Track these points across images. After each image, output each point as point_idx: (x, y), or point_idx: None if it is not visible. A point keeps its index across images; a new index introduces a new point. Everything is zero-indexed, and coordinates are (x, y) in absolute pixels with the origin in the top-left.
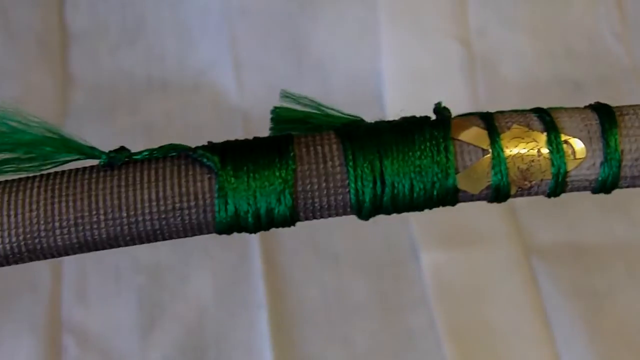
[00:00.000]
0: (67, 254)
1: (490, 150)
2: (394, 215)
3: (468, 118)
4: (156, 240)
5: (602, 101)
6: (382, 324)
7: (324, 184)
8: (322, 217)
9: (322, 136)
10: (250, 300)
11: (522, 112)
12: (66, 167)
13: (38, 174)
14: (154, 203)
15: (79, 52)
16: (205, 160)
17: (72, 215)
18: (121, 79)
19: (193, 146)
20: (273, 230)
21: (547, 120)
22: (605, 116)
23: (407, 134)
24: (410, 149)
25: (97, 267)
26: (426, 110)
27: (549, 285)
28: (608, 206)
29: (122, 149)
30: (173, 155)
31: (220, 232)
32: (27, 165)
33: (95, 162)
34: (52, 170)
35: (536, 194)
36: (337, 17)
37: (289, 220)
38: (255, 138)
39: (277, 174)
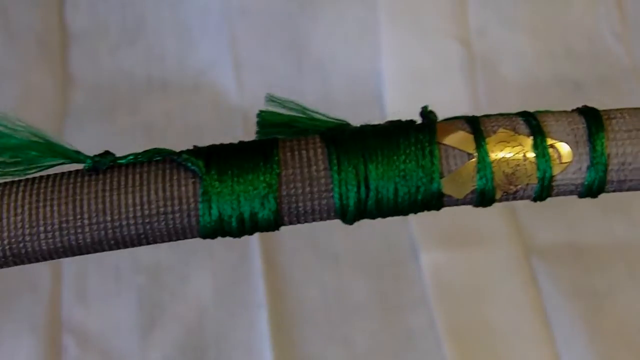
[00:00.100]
0: (52, 258)
1: (475, 154)
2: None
3: (454, 122)
4: (140, 244)
5: (602, 101)
6: (382, 324)
7: (308, 189)
8: (306, 221)
9: (307, 140)
10: (250, 300)
11: (509, 115)
12: (51, 171)
13: (23, 178)
14: (138, 207)
15: (79, 52)
16: (189, 164)
17: (57, 219)
18: (121, 79)
19: (191, 147)
20: (285, 226)
21: (533, 124)
22: (592, 120)
23: (392, 138)
24: (395, 153)
25: (97, 267)
26: None
27: (549, 285)
28: (608, 206)
29: (107, 153)
30: (158, 159)
31: (204, 237)
32: (12, 169)
33: (80, 166)
34: (37, 175)
35: (522, 198)
36: (337, 17)
37: (273, 224)
38: (240, 142)
39: (262, 178)
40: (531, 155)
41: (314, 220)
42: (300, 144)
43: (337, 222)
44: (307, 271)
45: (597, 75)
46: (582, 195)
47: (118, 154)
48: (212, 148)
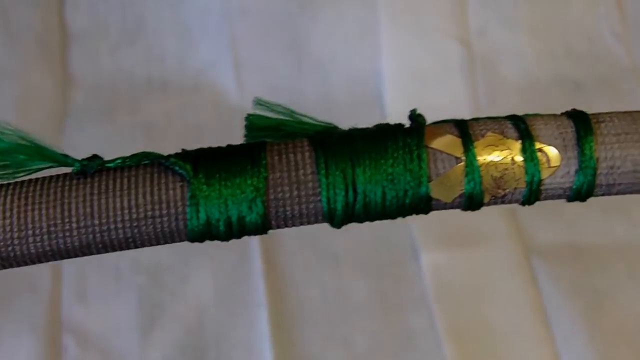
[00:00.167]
0: (40, 262)
1: (463, 158)
2: None
3: (442, 126)
4: (128, 248)
5: (602, 101)
6: (382, 324)
7: (295, 192)
8: (294, 225)
9: (295, 144)
10: (250, 300)
11: (497, 119)
12: (39, 174)
13: (12, 181)
14: (126, 211)
15: (79, 52)
16: (177, 168)
17: (45, 223)
18: (121, 79)
19: (192, 147)
20: (273, 230)
21: (521, 127)
22: (581, 123)
23: (380, 141)
24: (382, 157)
25: (97, 267)
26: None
27: (549, 285)
28: (608, 206)
29: (95, 157)
30: (146, 163)
31: (192, 240)
32: (0, 173)
33: (68, 169)
34: (25, 178)
35: (510, 202)
36: (337, 17)
37: (261, 228)
38: (228, 145)
39: (249, 182)
40: (519, 159)
41: (301, 224)
42: (288, 147)
43: None
44: (307, 271)
45: (597, 75)
46: (570, 199)
47: (118, 154)
48: (200, 151)
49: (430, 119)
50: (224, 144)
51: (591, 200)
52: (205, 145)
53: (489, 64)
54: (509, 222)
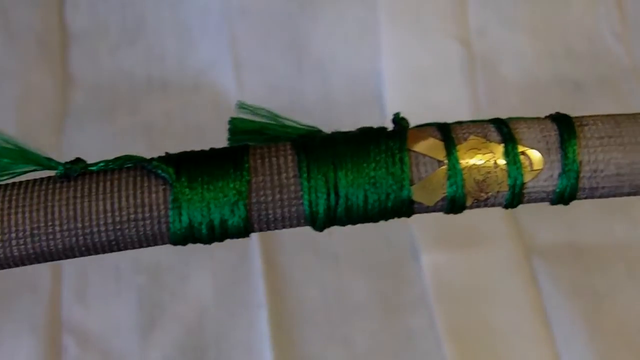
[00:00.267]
0: (24, 264)
1: (446, 161)
2: None
3: (425, 129)
4: (111, 251)
5: (602, 101)
6: (382, 324)
7: (278, 196)
8: (276, 228)
9: (278, 147)
10: (250, 300)
11: (481, 122)
12: (23, 177)
13: None
14: (109, 214)
15: (79, 52)
16: (160, 171)
17: (28, 226)
18: (121, 79)
19: (192, 147)
20: (256, 233)
21: (504, 131)
22: (565, 127)
23: (363, 145)
24: (364, 161)
25: (97, 267)
26: (426, 110)
27: (549, 285)
28: (608, 206)
29: (78, 160)
30: (129, 166)
31: (174, 244)
32: None
33: (52, 173)
34: (9, 181)
35: (493, 205)
36: (337, 17)
37: (243, 231)
38: (211, 149)
39: (231, 185)
40: (502, 162)
41: (284, 227)
42: (270, 151)
43: None
44: (307, 271)
45: (597, 75)
46: (553, 202)
47: (118, 154)
48: (183, 155)
49: (430, 119)
50: (224, 144)
51: (591, 200)
52: (205, 146)
53: (489, 64)
54: (509, 222)
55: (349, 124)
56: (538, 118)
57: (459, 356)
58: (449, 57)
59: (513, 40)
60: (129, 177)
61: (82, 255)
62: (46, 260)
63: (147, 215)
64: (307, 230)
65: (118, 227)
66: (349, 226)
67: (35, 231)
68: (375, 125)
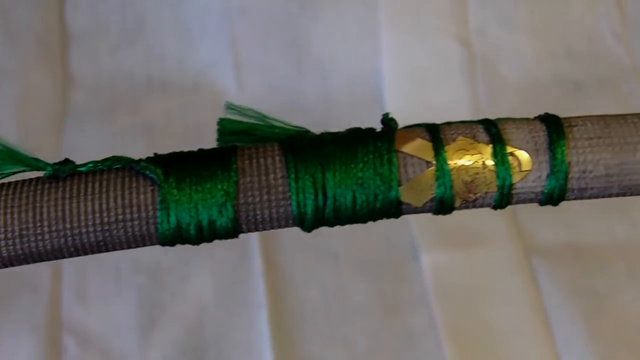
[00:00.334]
0: (12, 265)
1: (434, 162)
2: None
3: (413, 130)
4: (100, 251)
5: (602, 101)
6: (382, 324)
7: (265, 197)
8: (264, 229)
9: (266, 148)
10: (250, 300)
11: (469, 123)
12: (12, 178)
13: None
14: (97, 215)
15: (79, 52)
16: (148, 172)
17: (17, 226)
18: (121, 79)
19: (191, 147)
20: (273, 230)
21: (493, 132)
22: (553, 127)
23: (351, 146)
24: (352, 161)
25: (97, 267)
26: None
27: (549, 285)
28: (608, 206)
29: (67, 161)
30: (117, 167)
31: (163, 244)
32: None
33: (40, 174)
34: None
35: (481, 206)
36: (337, 17)
37: (232, 232)
38: (199, 150)
39: (219, 186)
40: (490, 163)
41: (272, 228)
42: (258, 151)
43: None
44: (307, 271)
45: (597, 75)
46: (542, 203)
47: (118, 154)
48: (171, 156)
49: (430, 119)
50: None
51: (591, 200)
52: (205, 146)
53: (489, 64)
54: (509, 222)
55: (348, 124)
56: (527, 119)
57: (459, 356)
58: (449, 57)
59: (513, 40)
60: (117, 178)
61: (71, 256)
62: (35, 261)
63: (135, 216)
64: None
65: (106, 227)
66: (349, 226)
67: (24, 232)
68: (375, 126)
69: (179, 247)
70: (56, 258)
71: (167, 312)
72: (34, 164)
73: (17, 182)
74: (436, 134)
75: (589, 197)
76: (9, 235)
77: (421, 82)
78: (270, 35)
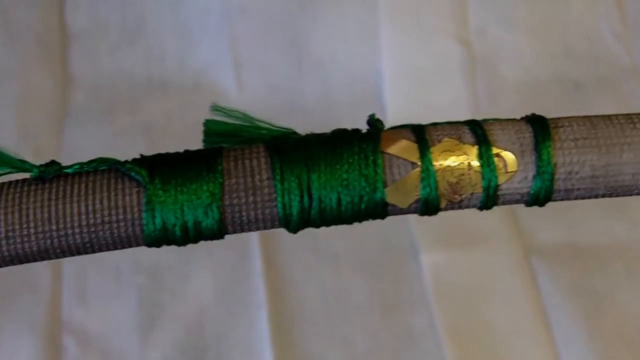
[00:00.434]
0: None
1: (419, 163)
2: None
3: (399, 131)
4: (86, 252)
5: (602, 101)
6: (382, 324)
7: (251, 198)
8: (250, 230)
9: (251, 149)
10: (250, 300)
11: (455, 124)
12: None
13: None
14: (83, 216)
15: (79, 52)
16: (133, 174)
17: (3, 228)
18: (121, 79)
19: (192, 147)
20: (273, 230)
21: (478, 133)
22: (539, 128)
23: (336, 147)
24: (338, 163)
25: (97, 267)
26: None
27: (549, 285)
28: (608, 206)
29: (53, 162)
30: (103, 169)
31: (149, 245)
32: None
33: (26, 175)
34: None
35: (467, 207)
36: (337, 17)
37: (217, 233)
38: (185, 151)
39: (205, 187)
40: (476, 164)
41: (257, 229)
42: (244, 153)
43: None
44: (307, 271)
45: (597, 75)
46: (528, 204)
47: (118, 154)
48: (157, 157)
49: (430, 119)
50: None
51: (591, 200)
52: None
53: (489, 64)
54: (509, 222)
55: (348, 124)
56: (513, 119)
57: (459, 356)
58: (449, 57)
59: (513, 40)
60: (103, 180)
61: (57, 257)
62: (21, 262)
63: (121, 217)
64: (307, 230)
65: (92, 229)
66: (349, 226)
67: (10, 233)
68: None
69: (179, 247)
70: (42, 259)
71: (167, 312)
72: (19, 165)
73: (3, 183)
74: (421, 135)
75: (575, 198)
76: None
77: (421, 82)
78: (270, 35)
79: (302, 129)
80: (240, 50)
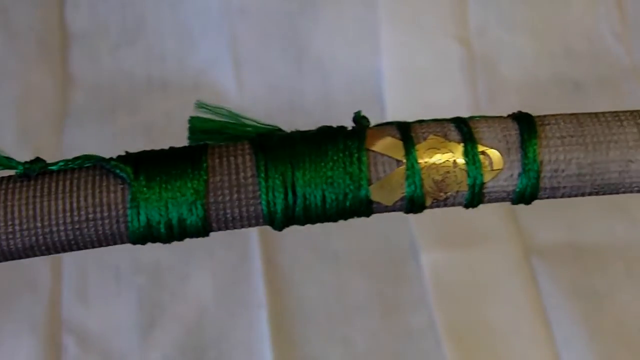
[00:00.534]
0: None
1: (404, 161)
2: (394, 214)
3: (384, 128)
4: (71, 250)
5: (602, 101)
6: (382, 324)
7: (236, 195)
8: (235, 227)
9: (236, 147)
10: (250, 300)
11: (441, 121)
12: None
13: None
14: (68, 214)
15: (79, 52)
16: (118, 171)
17: None
18: (121, 79)
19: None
20: (273, 230)
21: (464, 130)
22: (525, 126)
23: (321, 144)
24: (322, 160)
25: (97, 267)
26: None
27: (549, 285)
28: (608, 206)
29: (37, 159)
30: (88, 166)
31: (134, 242)
32: None
33: (12, 172)
34: None
35: (453, 205)
36: (337, 17)
37: (202, 230)
38: (170, 148)
39: (189, 185)
40: (461, 162)
41: (242, 226)
42: (229, 150)
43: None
44: (307, 271)
45: (597, 75)
46: (514, 202)
47: (118, 154)
48: (142, 154)
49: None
50: None
51: (591, 199)
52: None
53: (489, 64)
54: (509, 222)
55: (348, 124)
56: (500, 117)
57: (459, 356)
58: (449, 57)
59: (513, 40)
60: (88, 177)
61: (42, 254)
62: (6, 260)
63: (105, 214)
64: (307, 230)
65: (77, 226)
66: (349, 226)
67: None
68: None
69: (179, 247)
70: (27, 257)
71: (167, 312)
72: (5, 162)
73: None
74: (407, 133)
75: (562, 197)
76: None
77: (421, 82)
78: (270, 35)
79: (302, 128)
80: (240, 50)
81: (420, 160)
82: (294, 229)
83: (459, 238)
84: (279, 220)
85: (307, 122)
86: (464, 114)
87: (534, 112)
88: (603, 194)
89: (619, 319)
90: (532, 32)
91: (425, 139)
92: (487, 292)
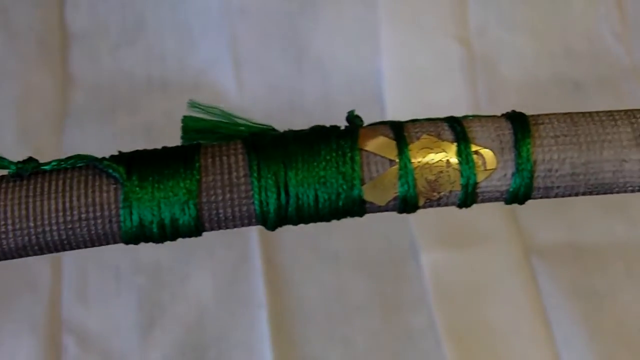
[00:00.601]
0: None
1: (397, 160)
2: (394, 214)
3: (378, 128)
4: (64, 249)
5: (602, 101)
6: (382, 324)
7: (228, 195)
8: (227, 227)
9: (229, 146)
10: (250, 300)
11: (434, 121)
12: None
13: None
14: (61, 213)
15: (79, 52)
16: (110, 170)
17: None
18: (121, 79)
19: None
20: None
21: (457, 130)
22: (519, 126)
23: (314, 144)
24: (315, 160)
25: (97, 267)
26: (426, 110)
27: (549, 285)
28: (608, 206)
29: (30, 159)
30: (81, 165)
31: (126, 242)
32: None
33: (4, 172)
34: None
35: (446, 204)
36: (337, 17)
37: (194, 230)
38: (163, 147)
39: (182, 184)
40: (455, 161)
41: (235, 226)
42: (221, 150)
43: (338, 222)
44: (307, 271)
45: (597, 75)
46: (508, 202)
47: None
48: (134, 154)
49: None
50: None
51: (591, 199)
52: None
53: (489, 63)
54: (509, 222)
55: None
56: (493, 116)
57: (459, 356)
58: (449, 57)
59: (513, 40)
60: (80, 177)
61: (35, 254)
62: (0, 260)
63: (98, 214)
64: (307, 229)
65: (70, 226)
66: (350, 226)
67: None
68: None
69: (179, 247)
70: (20, 256)
71: (167, 312)
72: None
73: None
74: (400, 132)
75: (555, 196)
76: None
77: (421, 82)
78: (270, 35)
79: (302, 128)
80: (240, 50)
81: (413, 160)
82: (295, 229)
83: (459, 238)
84: (272, 220)
85: (307, 122)
86: (464, 114)
87: (533, 112)
88: (597, 194)
89: (619, 319)
90: (532, 32)
91: (418, 138)
92: (487, 292)
